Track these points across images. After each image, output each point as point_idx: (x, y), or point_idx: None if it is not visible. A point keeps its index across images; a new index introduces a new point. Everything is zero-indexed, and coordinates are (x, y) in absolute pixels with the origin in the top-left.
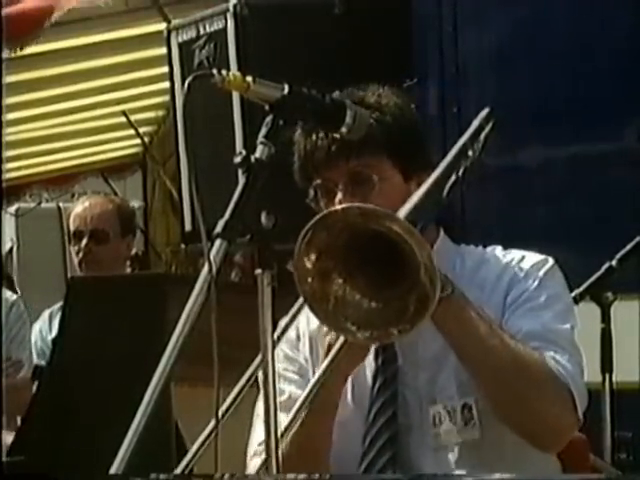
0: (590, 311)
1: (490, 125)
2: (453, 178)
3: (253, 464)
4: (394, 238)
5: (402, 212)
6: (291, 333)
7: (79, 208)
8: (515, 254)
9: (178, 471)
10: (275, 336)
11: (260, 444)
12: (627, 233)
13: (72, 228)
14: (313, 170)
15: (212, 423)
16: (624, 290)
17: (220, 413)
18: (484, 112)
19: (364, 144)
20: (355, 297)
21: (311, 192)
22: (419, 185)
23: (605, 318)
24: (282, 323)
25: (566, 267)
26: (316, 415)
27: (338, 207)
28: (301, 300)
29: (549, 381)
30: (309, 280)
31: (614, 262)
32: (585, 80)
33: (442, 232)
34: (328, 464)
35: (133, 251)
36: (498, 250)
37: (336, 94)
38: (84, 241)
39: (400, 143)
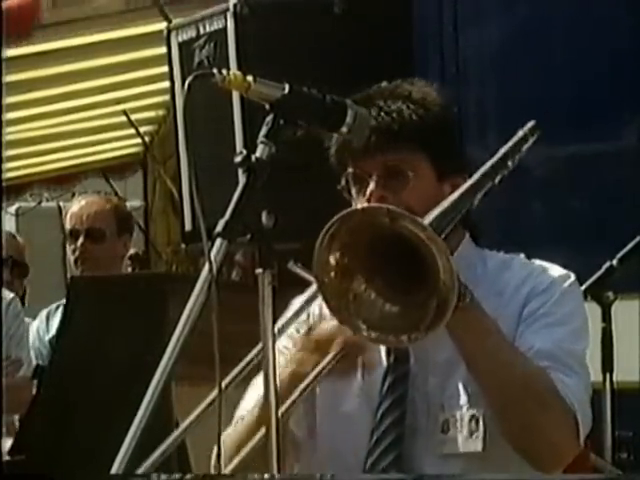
0: (591, 311)
1: (534, 138)
2: (488, 185)
3: (229, 430)
4: (417, 244)
5: (431, 215)
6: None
7: (75, 207)
8: (538, 265)
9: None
10: (289, 314)
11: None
12: (627, 232)
13: (68, 227)
14: (349, 157)
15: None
16: (625, 290)
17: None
18: (530, 124)
19: (403, 139)
20: (371, 296)
21: (343, 180)
22: (452, 187)
23: (606, 317)
24: (296, 302)
25: (567, 267)
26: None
27: (365, 205)
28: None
29: (555, 403)
30: (331, 274)
31: (615, 262)
32: (585, 80)
33: (467, 235)
34: None
35: (132, 251)
36: (521, 258)
37: (384, 84)
38: (80, 240)
39: (439, 143)
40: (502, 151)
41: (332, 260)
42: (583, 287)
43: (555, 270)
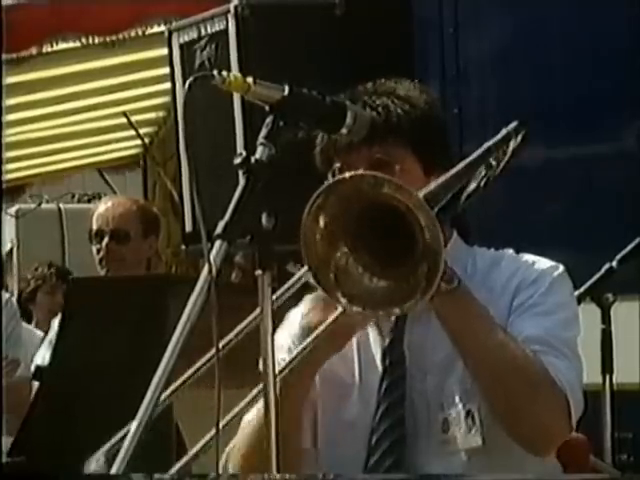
0: (590, 312)
1: (520, 139)
2: (473, 186)
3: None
4: (403, 211)
5: (420, 193)
6: (296, 326)
7: (102, 208)
8: (527, 258)
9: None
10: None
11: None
12: (627, 234)
13: (94, 227)
14: (335, 153)
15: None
16: (624, 291)
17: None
18: (514, 124)
19: (389, 133)
20: (358, 270)
21: (329, 176)
22: None
23: (605, 319)
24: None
25: (566, 268)
26: (284, 401)
27: (352, 173)
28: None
29: (546, 385)
30: (317, 240)
31: (614, 263)
32: (585, 81)
33: (455, 233)
34: (298, 452)
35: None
36: (510, 253)
37: (368, 85)
38: (105, 240)
39: (425, 137)
40: (486, 145)
41: (319, 224)
42: (583, 288)
43: (544, 262)
